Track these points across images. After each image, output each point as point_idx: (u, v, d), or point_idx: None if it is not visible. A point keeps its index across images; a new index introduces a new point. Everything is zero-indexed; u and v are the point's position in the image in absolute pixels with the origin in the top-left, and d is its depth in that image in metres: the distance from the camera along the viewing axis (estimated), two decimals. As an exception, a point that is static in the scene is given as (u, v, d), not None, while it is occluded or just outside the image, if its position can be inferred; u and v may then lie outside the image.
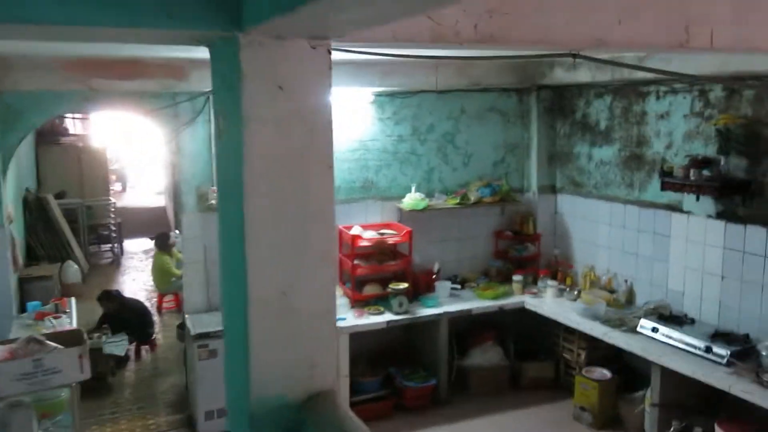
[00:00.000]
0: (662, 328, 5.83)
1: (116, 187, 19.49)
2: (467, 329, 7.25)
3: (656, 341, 5.80)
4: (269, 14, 1.58)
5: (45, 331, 5.71)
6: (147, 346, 8.74)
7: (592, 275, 7.12)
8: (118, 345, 7.87)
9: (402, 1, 1.39)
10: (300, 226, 2.01)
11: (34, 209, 10.99)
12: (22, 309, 7.01)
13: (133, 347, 8.48)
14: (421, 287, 7.12)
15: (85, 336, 5.25)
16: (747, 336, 5.51)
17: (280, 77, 1.88)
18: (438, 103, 7.38)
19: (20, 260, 8.62)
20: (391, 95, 7.15)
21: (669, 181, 5.92)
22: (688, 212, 6.09)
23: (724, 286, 5.82)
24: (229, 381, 2.33)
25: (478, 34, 2.16)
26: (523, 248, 7.69)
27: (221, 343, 3.15)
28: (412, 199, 7.12)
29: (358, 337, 6.51)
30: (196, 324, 6.41)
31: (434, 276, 7.28)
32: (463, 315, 6.92)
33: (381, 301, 6.81)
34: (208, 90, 5.92)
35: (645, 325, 5.97)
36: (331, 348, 2.16)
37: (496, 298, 7.12)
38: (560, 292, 7.11)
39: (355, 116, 7.05)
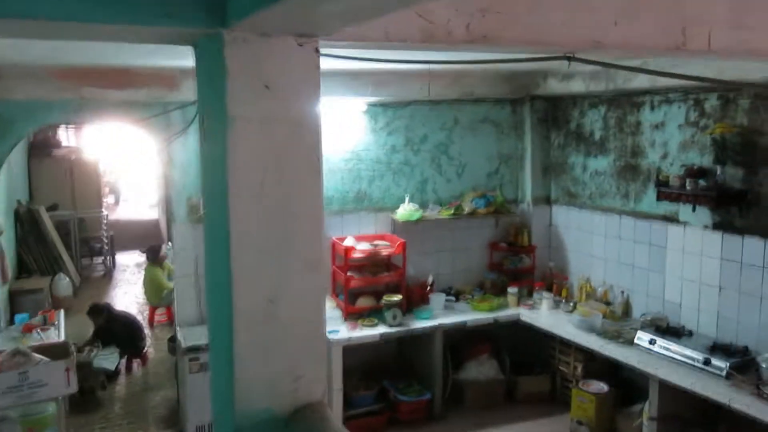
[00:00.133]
0: (660, 341, 5.76)
1: (109, 200, 19.39)
2: (462, 342, 7.17)
3: (654, 354, 5.73)
4: (253, 7, 1.52)
5: (32, 343, 5.63)
6: (138, 360, 8.63)
7: (587, 287, 7.07)
8: (108, 359, 7.78)
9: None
10: (287, 230, 1.94)
11: (25, 221, 10.92)
12: (12, 322, 6.92)
13: (123, 361, 8.37)
14: (415, 299, 7.04)
15: (73, 349, 5.18)
16: (746, 348, 5.44)
17: (266, 76, 1.82)
18: (431, 113, 7.34)
19: (9, 272, 8.54)
20: (384, 105, 7.11)
21: (665, 190, 5.87)
22: (684, 223, 6.04)
23: (722, 298, 5.76)
24: (214, 393, 2.26)
25: (470, 34, 2.10)
26: (518, 260, 7.63)
27: (211, 356, 3.08)
28: (406, 210, 7.06)
29: (351, 350, 6.43)
30: (187, 337, 6.32)
31: (428, 288, 7.21)
32: (457, 328, 6.84)
33: (375, 314, 6.73)
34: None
35: (642, 337, 5.91)
36: (320, 358, 2.09)
37: (491, 310, 7.05)
38: (556, 305, 7.05)
39: (347, 126, 7.00)
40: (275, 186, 1.89)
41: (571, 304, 6.96)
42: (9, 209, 10.09)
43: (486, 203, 7.32)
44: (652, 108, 6.30)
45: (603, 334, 6.21)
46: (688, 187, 5.63)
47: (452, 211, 7.23)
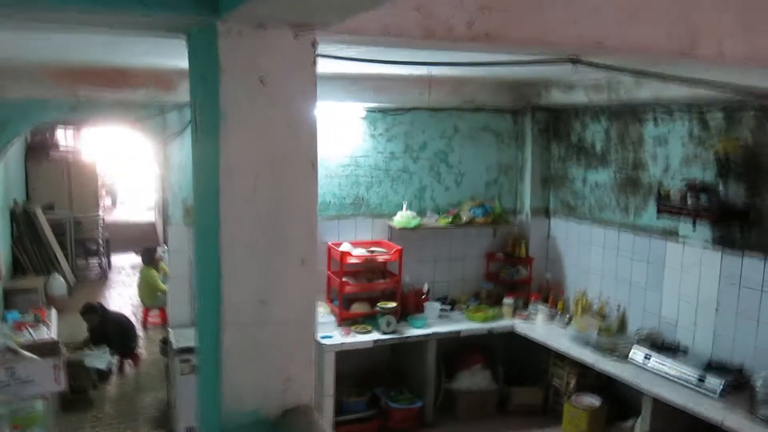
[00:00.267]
0: (654, 357, 5.71)
1: (106, 202, 19.33)
2: (455, 351, 7.12)
3: (648, 370, 5.69)
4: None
5: (22, 341, 5.58)
6: (130, 361, 8.59)
7: (584, 300, 7.01)
8: (99, 358, 7.73)
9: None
10: (279, 229, 1.90)
11: (21, 221, 10.92)
12: (4, 320, 6.88)
13: (116, 361, 8.32)
14: (410, 307, 6.99)
15: (63, 347, 5.13)
16: (741, 367, 5.39)
17: (261, 70, 1.78)
18: (431, 121, 7.31)
19: (2, 271, 8.50)
20: (384, 112, 7.07)
21: (665, 205, 5.82)
22: (683, 238, 5.98)
23: (719, 316, 5.69)
24: (200, 394, 2.21)
25: (472, 31, 2.06)
26: (514, 271, 7.59)
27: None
28: (404, 217, 7.02)
29: (344, 355, 6.38)
30: (179, 338, 6.27)
31: (424, 296, 7.17)
32: (451, 337, 6.80)
33: (369, 320, 6.68)
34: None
35: (637, 352, 5.87)
36: (309, 360, 2.04)
37: (486, 320, 7.01)
38: (551, 317, 7.01)
39: (346, 131, 6.97)
40: (268, 186, 1.85)
41: (567, 317, 6.92)
42: (4, 209, 10.06)
43: (484, 213, 7.28)
44: (655, 121, 6.25)
45: (598, 348, 6.17)
46: (689, 202, 5.57)
47: (450, 220, 7.19)
